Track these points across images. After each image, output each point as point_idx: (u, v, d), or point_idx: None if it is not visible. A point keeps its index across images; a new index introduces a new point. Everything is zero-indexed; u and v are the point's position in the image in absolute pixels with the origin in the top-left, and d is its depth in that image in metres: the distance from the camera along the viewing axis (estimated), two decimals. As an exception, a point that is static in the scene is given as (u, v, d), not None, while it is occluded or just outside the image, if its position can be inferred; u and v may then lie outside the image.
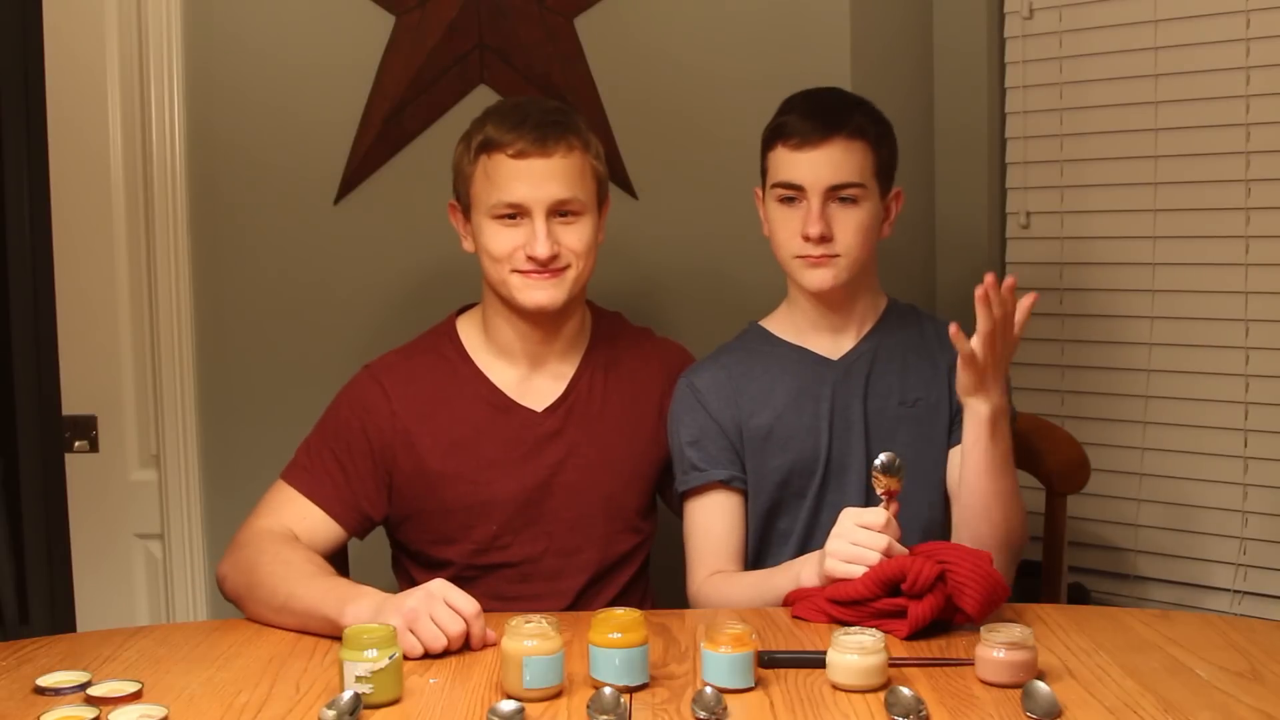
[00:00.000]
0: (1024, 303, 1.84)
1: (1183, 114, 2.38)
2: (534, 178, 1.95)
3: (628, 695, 1.51)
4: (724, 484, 2.04)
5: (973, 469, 1.91)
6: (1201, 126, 2.36)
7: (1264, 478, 2.34)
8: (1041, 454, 2.18)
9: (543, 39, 2.49)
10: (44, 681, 1.57)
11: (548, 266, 1.97)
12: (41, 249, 2.38)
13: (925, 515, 2.01)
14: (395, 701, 1.51)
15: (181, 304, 2.50)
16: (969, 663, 1.57)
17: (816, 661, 1.57)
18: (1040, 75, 2.57)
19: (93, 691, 1.53)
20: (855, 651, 1.52)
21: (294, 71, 2.49)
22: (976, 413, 1.88)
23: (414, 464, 2.02)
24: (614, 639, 1.53)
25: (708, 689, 1.49)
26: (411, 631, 1.65)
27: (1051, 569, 2.20)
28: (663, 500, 2.17)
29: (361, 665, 1.49)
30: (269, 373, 2.52)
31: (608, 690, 1.49)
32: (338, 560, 2.03)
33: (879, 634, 1.54)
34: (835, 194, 1.97)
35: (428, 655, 1.65)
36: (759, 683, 1.54)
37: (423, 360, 2.08)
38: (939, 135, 2.69)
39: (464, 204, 2.05)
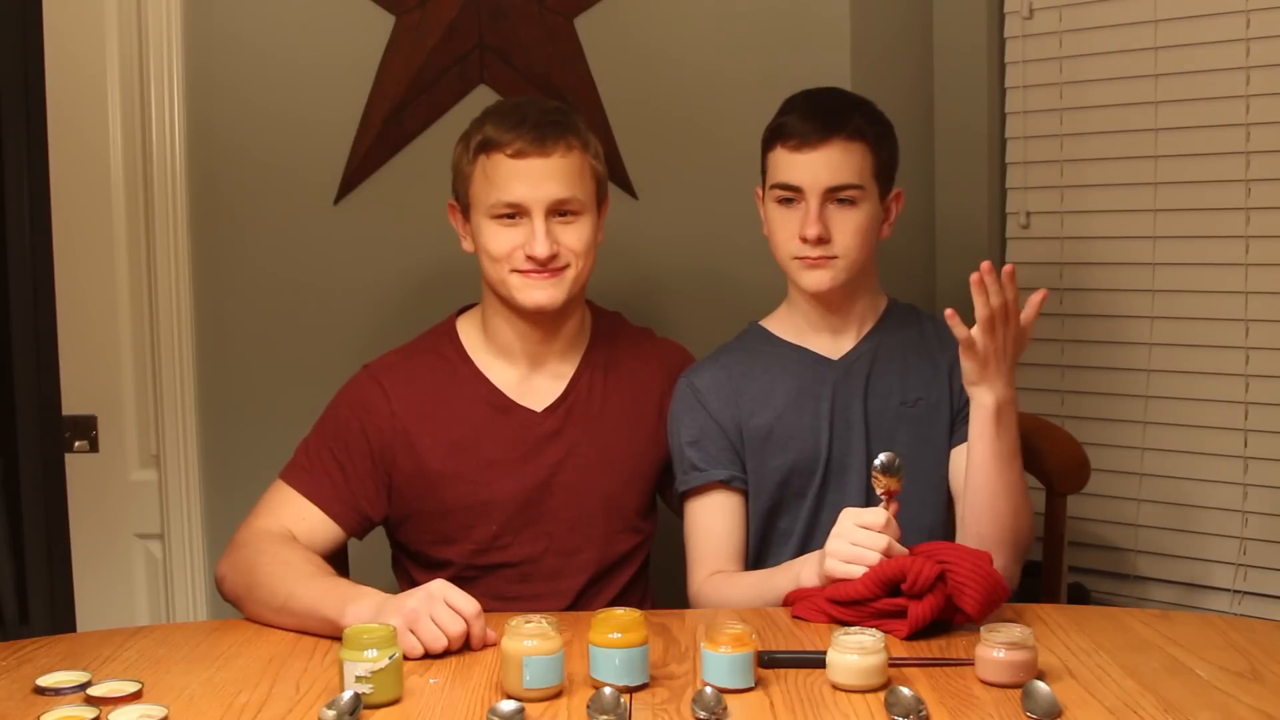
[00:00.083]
0: (1034, 299, 1.85)
1: (1183, 114, 2.38)
2: (533, 177, 1.95)
3: (628, 695, 1.51)
4: (724, 484, 2.04)
5: (977, 462, 1.91)
6: (1201, 126, 2.36)
7: (1264, 478, 2.34)
8: (1041, 454, 2.18)
9: (543, 39, 2.49)
10: (44, 681, 1.57)
11: (547, 266, 1.97)
12: (41, 249, 2.38)
13: (926, 515, 2.01)
14: (395, 701, 1.51)
15: (181, 304, 2.50)
16: (969, 663, 1.57)
17: (816, 661, 1.57)
18: (1040, 75, 2.57)
19: (93, 691, 1.53)
20: (855, 651, 1.52)
21: (294, 71, 2.49)
22: (980, 403, 1.88)
23: (413, 464, 2.02)
24: (614, 639, 1.53)
25: (708, 689, 1.49)
26: (412, 632, 1.65)
27: (1051, 569, 2.20)
28: (663, 500, 2.17)
29: (361, 665, 1.49)
30: (269, 373, 2.52)
31: (608, 690, 1.49)
32: (338, 560, 2.03)
33: (879, 634, 1.54)
34: (834, 195, 1.97)
35: (428, 655, 1.65)
36: (759, 683, 1.54)
37: (422, 360, 2.08)
38: (939, 135, 2.69)
39: (463, 204, 2.05)
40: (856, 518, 1.80)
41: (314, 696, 1.54)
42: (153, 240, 2.50)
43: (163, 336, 2.50)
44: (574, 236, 1.99)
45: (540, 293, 1.98)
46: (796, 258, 2.00)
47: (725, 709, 1.46)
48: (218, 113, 2.49)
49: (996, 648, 1.52)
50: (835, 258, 1.98)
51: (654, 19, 2.53)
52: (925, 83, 2.69)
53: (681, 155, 2.54)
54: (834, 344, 2.08)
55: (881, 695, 1.49)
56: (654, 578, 2.19)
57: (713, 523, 2.05)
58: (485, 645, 1.69)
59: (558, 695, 1.52)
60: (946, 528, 2.03)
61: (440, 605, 1.68)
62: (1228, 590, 2.39)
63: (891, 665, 1.55)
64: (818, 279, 1.99)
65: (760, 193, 2.08)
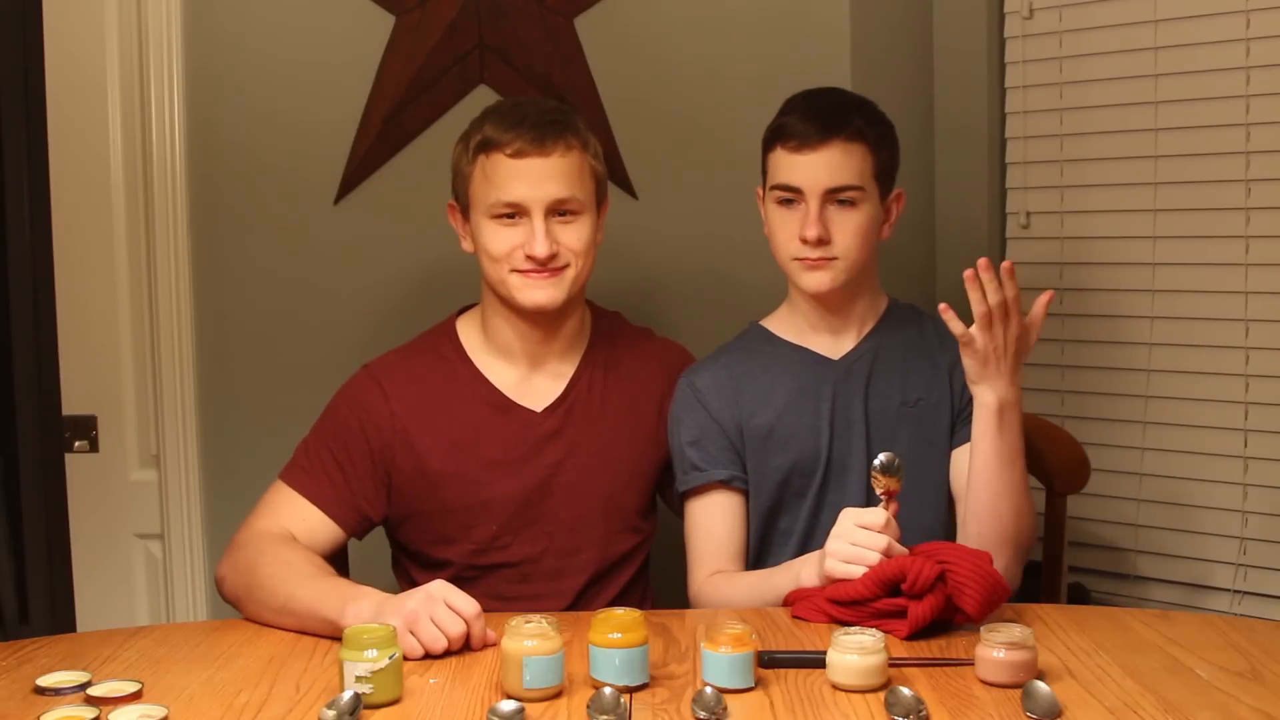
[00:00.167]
0: (1040, 300, 1.85)
1: (1183, 114, 2.38)
2: (532, 177, 1.95)
3: (628, 695, 1.51)
4: (724, 484, 2.04)
5: (979, 461, 1.91)
6: (1201, 126, 2.36)
7: (1264, 478, 2.34)
8: (1042, 454, 2.18)
9: (543, 39, 2.49)
10: (44, 681, 1.57)
11: (547, 266, 1.97)
12: (41, 249, 2.38)
13: (926, 515, 2.01)
14: (395, 701, 1.51)
15: (181, 304, 2.50)
16: (969, 663, 1.57)
17: (816, 661, 1.57)
18: (1040, 75, 2.57)
19: (93, 691, 1.53)
20: (855, 651, 1.52)
21: (294, 71, 2.49)
22: (983, 403, 1.89)
23: (413, 464, 2.02)
24: (614, 639, 1.53)
25: (708, 689, 1.49)
26: (412, 633, 1.65)
27: (1051, 569, 2.20)
28: (663, 500, 2.17)
29: (361, 665, 1.49)
30: (269, 373, 2.52)
31: (608, 690, 1.49)
32: (338, 560, 2.03)
33: (879, 634, 1.54)
34: (834, 197, 1.97)
35: (428, 656, 1.65)
36: (759, 683, 1.54)
37: (422, 360, 2.08)
38: (939, 135, 2.69)
39: (463, 204, 2.05)
40: (856, 518, 1.80)
41: (314, 696, 1.54)
42: (153, 240, 2.50)
43: (163, 336, 2.50)
44: (574, 236, 1.99)
45: (540, 292, 1.98)
46: (797, 259, 2.00)
47: (725, 709, 1.46)
48: (218, 113, 2.49)
49: (996, 648, 1.52)
50: (835, 259, 1.98)
51: (654, 19, 2.53)
52: (925, 83, 2.69)
53: (681, 155, 2.54)
54: (834, 344, 2.08)
55: (881, 695, 1.49)
56: (654, 578, 2.19)
57: (713, 523, 2.05)
58: (485, 645, 1.69)
59: (558, 695, 1.52)
60: (947, 528, 2.03)
61: (440, 606, 1.68)
62: (1228, 590, 2.39)
63: (891, 665, 1.55)
64: (818, 280, 1.99)
65: (760, 193, 2.08)
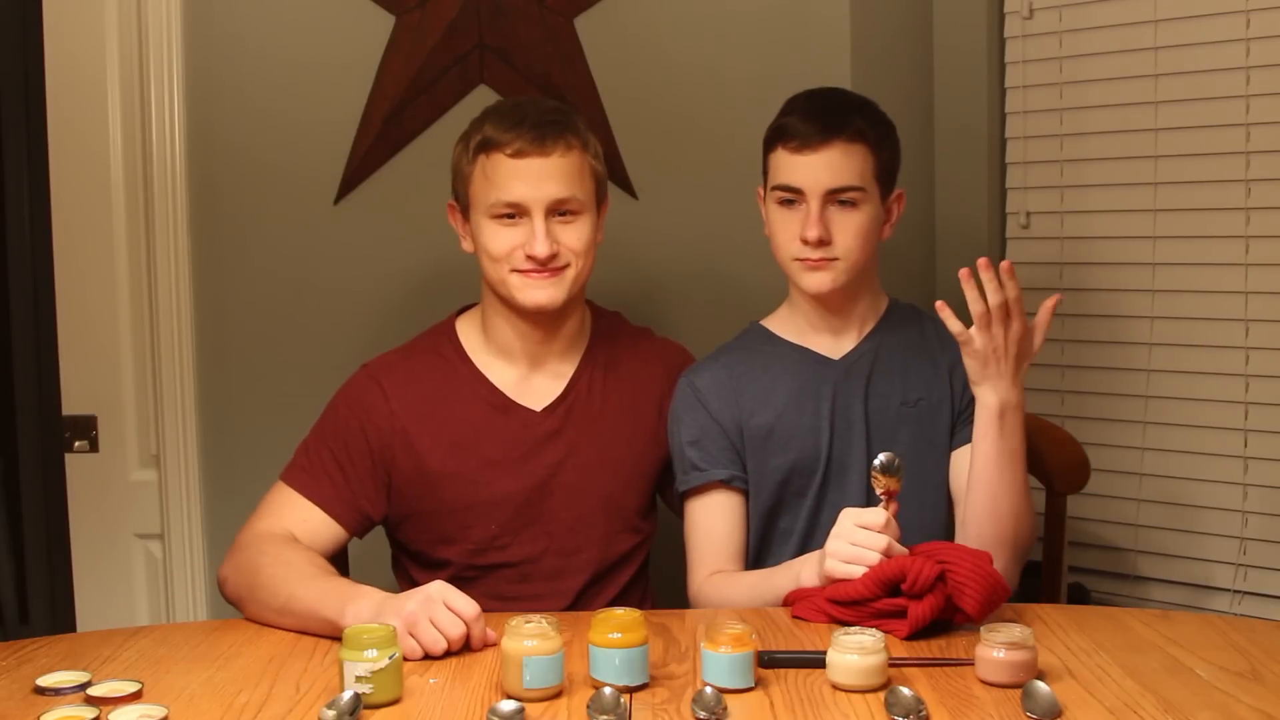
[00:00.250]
0: (1046, 304, 1.86)
1: (1183, 114, 2.38)
2: (532, 177, 1.95)
3: (628, 695, 1.51)
4: (724, 484, 2.04)
5: (980, 461, 1.91)
6: (1201, 126, 2.36)
7: (1264, 478, 2.34)
8: (1041, 454, 2.18)
9: (543, 39, 2.49)
10: (44, 681, 1.57)
11: (547, 266, 1.97)
12: (41, 249, 2.38)
13: (926, 515, 2.01)
14: (395, 701, 1.51)
15: (181, 304, 2.50)
16: (969, 663, 1.57)
17: (816, 661, 1.57)
18: (1040, 75, 2.57)
19: (93, 691, 1.53)
20: (855, 651, 1.52)
21: (294, 71, 2.49)
22: (984, 403, 1.89)
23: (413, 464, 2.02)
24: (614, 639, 1.53)
25: (708, 689, 1.49)
26: (411, 635, 1.65)
27: (1051, 569, 2.20)
28: (663, 500, 2.17)
29: (361, 665, 1.49)
30: (269, 373, 2.52)
31: (608, 690, 1.49)
32: (338, 560, 2.03)
33: (879, 634, 1.54)
34: (834, 197, 1.97)
35: (428, 657, 1.65)
36: (759, 683, 1.54)
37: (422, 360, 2.08)
38: (939, 135, 2.69)
39: (463, 204, 2.05)
40: (856, 518, 1.80)
41: (314, 696, 1.54)
42: (153, 240, 2.50)
43: (163, 336, 2.50)
44: (574, 236, 1.99)
45: (540, 292, 1.98)
46: (797, 259, 1.99)
47: (725, 709, 1.46)
48: (218, 113, 2.49)
49: (996, 648, 1.52)
50: (836, 259, 1.98)
51: (654, 19, 2.53)
52: (925, 83, 2.69)
53: (681, 155, 2.54)
54: (835, 344, 2.08)
55: (881, 695, 1.49)
56: (654, 578, 2.19)
57: (713, 522, 2.05)
58: (485, 646, 1.69)
59: (558, 695, 1.52)
60: (947, 528, 2.03)
61: (439, 608, 1.68)
62: (1228, 590, 2.39)
63: (891, 665, 1.55)
64: (818, 280, 1.99)
65: (761, 193, 2.08)
